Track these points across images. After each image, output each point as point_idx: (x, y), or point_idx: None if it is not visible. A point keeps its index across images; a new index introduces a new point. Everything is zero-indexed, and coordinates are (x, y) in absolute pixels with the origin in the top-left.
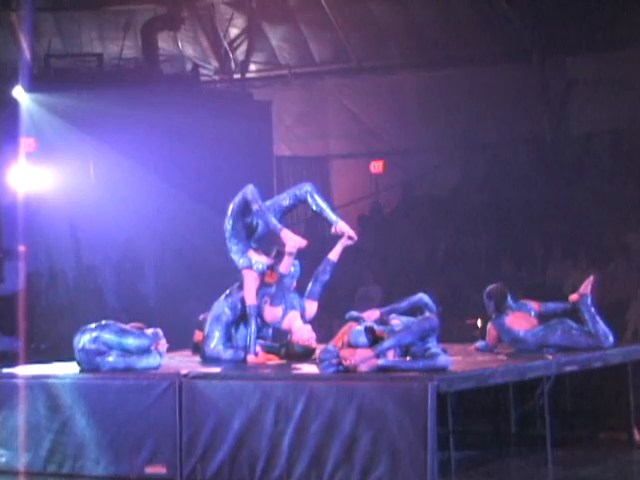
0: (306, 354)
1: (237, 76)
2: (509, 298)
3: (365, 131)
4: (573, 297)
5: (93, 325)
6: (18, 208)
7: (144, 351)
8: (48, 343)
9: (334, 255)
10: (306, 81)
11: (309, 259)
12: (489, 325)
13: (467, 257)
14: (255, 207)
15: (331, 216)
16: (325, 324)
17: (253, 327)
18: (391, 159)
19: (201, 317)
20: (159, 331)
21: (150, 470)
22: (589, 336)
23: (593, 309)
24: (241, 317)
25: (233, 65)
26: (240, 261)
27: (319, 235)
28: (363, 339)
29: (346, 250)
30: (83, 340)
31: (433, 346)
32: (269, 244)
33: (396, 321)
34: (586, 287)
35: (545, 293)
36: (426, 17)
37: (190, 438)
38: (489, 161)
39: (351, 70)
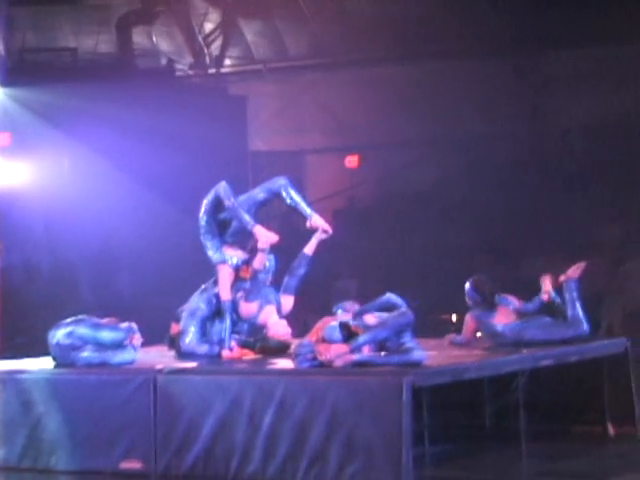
0: (281, 349)
1: (212, 71)
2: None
3: (340, 126)
4: (560, 278)
5: (68, 320)
6: None
7: (118, 345)
8: (22, 338)
9: (309, 249)
10: (281, 76)
11: (284, 253)
12: (467, 316)
13: (443, 252)
14: (227, 204)
15: (306, 210)
16: (300, 319)
17: (228, 322)
18: (366, 154)
19: (179, 310)
20: (133, 325)
21: (125, 465)
22: (563, 326)
23: (575, 294)
24: (216, 312)
25: (208, 60)
26: (215, 256)
27: (294, 229)
28: (337, 335)
29: (321, 244)
30: (57, 335)
31: (408, 341)
32: (246, 238)
33: (371, 318)
34: (575, 271)
35: (520, 289)
36: (402, 12)
37: (165, 433)
38: (466, 156)
39: (326, 65)
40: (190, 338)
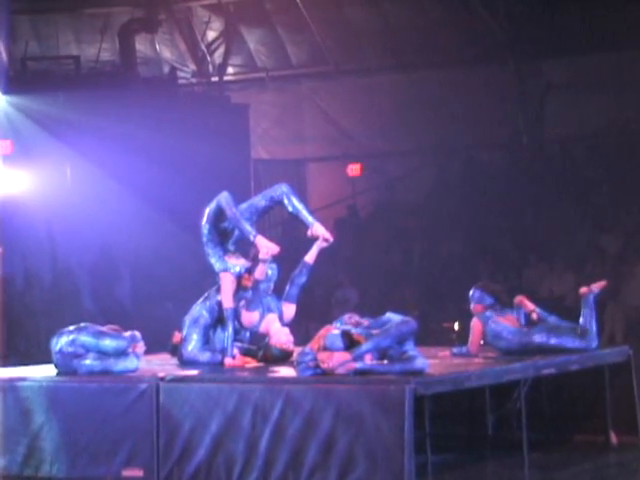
0: (283, 357)
1: (214, 79)
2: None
3: (342, 134)
4: (583, 289)
5: (71, 327)
6: None
7: (121, 353)
8: (24, 346)
9: (310, 257)
10: (283, 84)
11: (286, 262)
12: (474, 321)
13: (443, 260)
14: (229, 214)
15: (307, 218)
16: (302, 327)
17: (230, 330)
18: (368, 162)
19: (185, 319)
20: (137, 333)
21: (127, 473)
22: (574, 335)
23: (593, 308)
24: (219, 320)
25: (210, 68)
26: (217, 265)
27: (296, 238)
28: (339, 343)
29: (322, 253)
30: (60, 343)
31: (410, 349)
32: (248, 246)
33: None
34: (597, 286)
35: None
36: (402, 20)
37: (167, 441)
38: (466, 164)
39: (328, 73)
40: (192, 346)
